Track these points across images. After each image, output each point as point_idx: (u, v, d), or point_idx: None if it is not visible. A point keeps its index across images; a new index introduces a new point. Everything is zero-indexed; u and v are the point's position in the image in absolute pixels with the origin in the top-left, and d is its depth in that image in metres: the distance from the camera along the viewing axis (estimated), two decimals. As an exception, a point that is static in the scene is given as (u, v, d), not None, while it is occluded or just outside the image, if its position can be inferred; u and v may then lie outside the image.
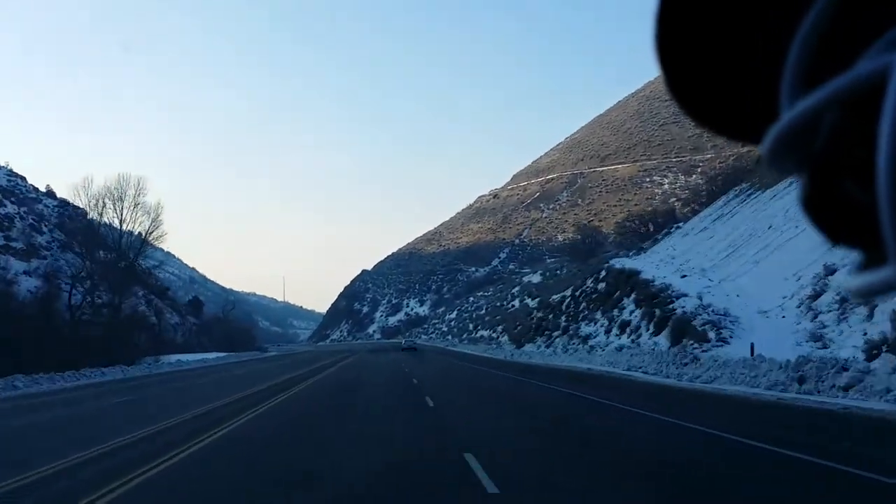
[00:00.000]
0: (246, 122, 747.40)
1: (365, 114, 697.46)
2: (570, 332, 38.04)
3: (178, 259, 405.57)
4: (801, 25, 0.41)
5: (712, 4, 0.46)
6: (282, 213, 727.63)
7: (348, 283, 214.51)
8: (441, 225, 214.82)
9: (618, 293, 37.47)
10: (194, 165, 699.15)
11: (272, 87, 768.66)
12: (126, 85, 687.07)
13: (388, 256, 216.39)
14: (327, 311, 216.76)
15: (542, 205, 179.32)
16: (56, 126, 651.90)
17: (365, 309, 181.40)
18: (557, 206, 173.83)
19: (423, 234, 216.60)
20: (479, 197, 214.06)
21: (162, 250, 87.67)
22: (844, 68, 0.37)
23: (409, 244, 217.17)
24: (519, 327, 62.59)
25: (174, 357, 48.02)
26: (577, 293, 46.52)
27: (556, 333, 41.57)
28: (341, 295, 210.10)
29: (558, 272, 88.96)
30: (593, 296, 41.90)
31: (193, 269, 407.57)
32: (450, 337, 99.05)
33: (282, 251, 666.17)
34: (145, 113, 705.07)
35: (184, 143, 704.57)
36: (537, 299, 71.83)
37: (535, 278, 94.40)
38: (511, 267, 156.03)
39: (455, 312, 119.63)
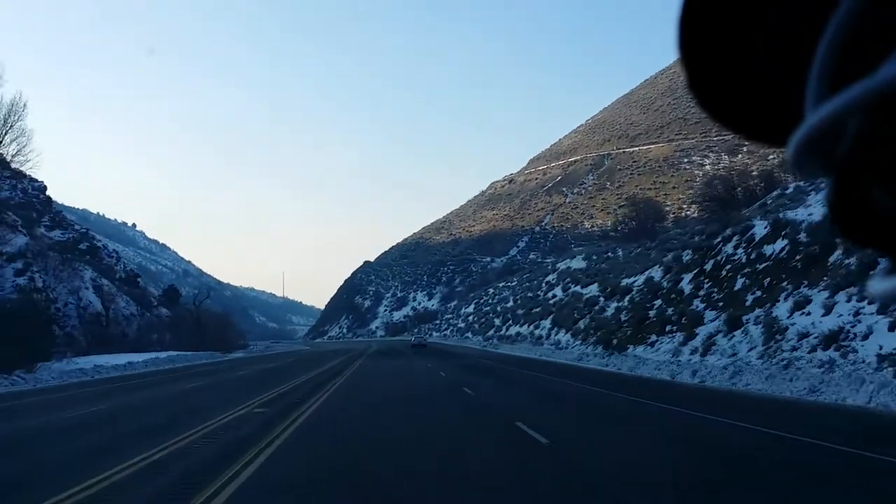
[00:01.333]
0: (248, 120, 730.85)
1: (370, 102, 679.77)
2: (755, 323, 20.64)
3: (174, 252, 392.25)
4: (827, 28, 0.40)
5: (736, 7, 0.45)
6: (283, 208, 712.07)
7: (349, 275, 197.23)
8: (451, 213, 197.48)
9: (838, 254, 20.27)
10: (195, 162, 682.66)
11: (274, 83, 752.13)
12: (126, 85, 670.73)
13: (393, 247, 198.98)
14: (326, 306, 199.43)
15: (564, 189, 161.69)
16: (56, 120, 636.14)
17: (367, 303, 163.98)
18: (583, 191, 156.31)
19: (432, 223, 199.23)
20: (493, 183, 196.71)
21: (39, 184, 66.58)
22: (870, 72, 0.37)
23: (415, 234, 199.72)
24: (581, 321, 45.37)
25: (61, 365, 30.81)
26: (708, 266, 29.26)
27: (703, 329, 24.15)
28: (341, 288, 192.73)
29: (609, 255, 71.56)
30: (759, 265, 24.59)
31: (189, 262, 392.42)
32: (470, 334, 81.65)
33: (283, 246, 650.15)
34: (148, 113, 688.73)
35: (185, 142, 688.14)
36: (592, 286, 54.59)
37: (577, 263, 76.92)
38: (532, 256, 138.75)
39: (472, 306, 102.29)
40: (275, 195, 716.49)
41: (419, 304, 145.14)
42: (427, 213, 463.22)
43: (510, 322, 68.25)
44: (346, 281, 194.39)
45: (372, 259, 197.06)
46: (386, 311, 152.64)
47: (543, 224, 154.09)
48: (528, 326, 60.17)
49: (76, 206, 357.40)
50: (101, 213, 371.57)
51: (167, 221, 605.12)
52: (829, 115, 0.37)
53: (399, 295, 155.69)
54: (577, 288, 59.68)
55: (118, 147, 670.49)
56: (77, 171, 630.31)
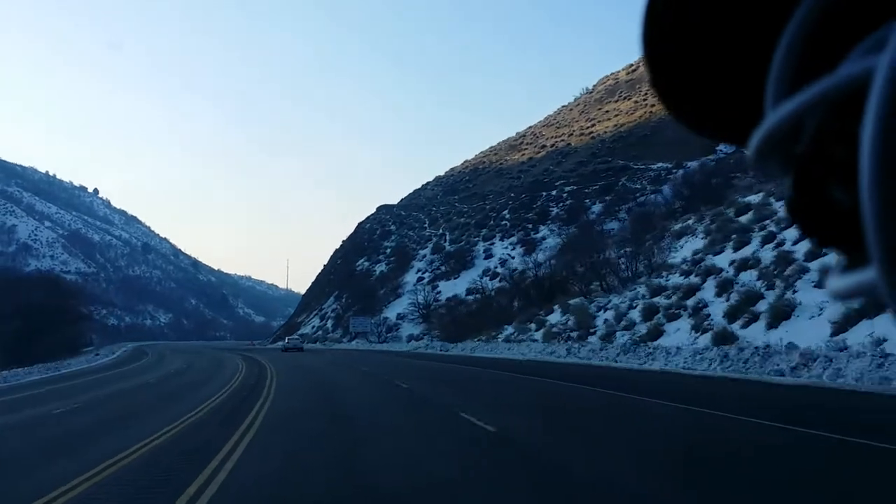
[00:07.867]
0: (259, 92, 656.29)
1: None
2: None
3: (146, 226, 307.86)
4: (786, 28, 0.40)
5: (698, 8, 0.46)
6: (296, 195, 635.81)
7: (352, 231, 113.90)
8: (535, 126, 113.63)
9: None
10: (204, 150, 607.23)
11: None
12: (115, 79, 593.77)
13: (429, 183, 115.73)
14: (311, 286, 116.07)
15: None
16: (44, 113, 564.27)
17: (379, 269, 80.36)
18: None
19: (497, 144, 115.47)
20: (606, 76, 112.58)
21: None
22: (828, 71, 0.37)
23: (468, 162, 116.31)
24: None
25: None
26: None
27: None
28: (336, 252, 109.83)
29: None
30: None
31: (165, 238, 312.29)
32: None
33: (292, 236, 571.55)
34: (137, 70, 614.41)
35: (199, 128, 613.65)
36: None
37: None
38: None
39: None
40: (288, 179, 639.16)
41: (501, 258, 61.38)
42: (477, 142, 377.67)
43: None
44: (343, 242, 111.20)
45: (394, 202, 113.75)
46: (423, 278, 68.48)
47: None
48: None
49: (21, 163, 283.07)
50: (51, 173, 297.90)
51: (159, 200, 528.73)
52: (788, 114, 0.38)
53: (450, 248, 71.53)
54: None
55: (99, 109, 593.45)
56: (38, 131, 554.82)
